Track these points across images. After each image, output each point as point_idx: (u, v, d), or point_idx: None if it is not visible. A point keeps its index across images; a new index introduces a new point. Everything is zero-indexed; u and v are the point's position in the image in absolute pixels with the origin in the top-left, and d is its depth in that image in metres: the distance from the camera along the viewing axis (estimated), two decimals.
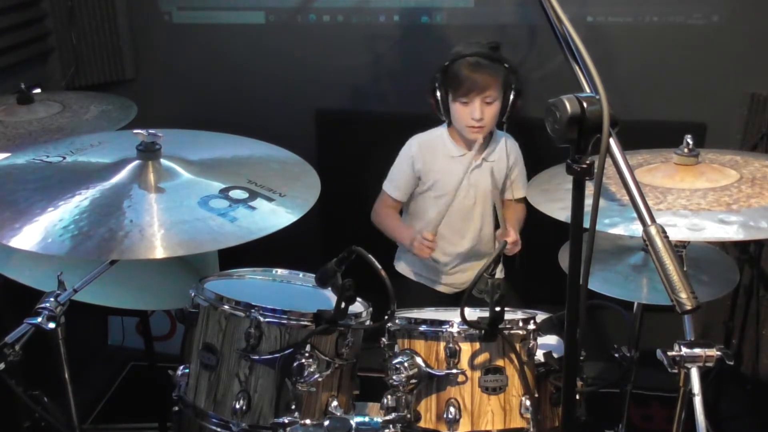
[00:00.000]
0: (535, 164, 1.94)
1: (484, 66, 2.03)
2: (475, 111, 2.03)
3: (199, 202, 1.41)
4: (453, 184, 2.13)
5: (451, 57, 2.08)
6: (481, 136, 2.07)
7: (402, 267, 2.36)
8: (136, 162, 1.49)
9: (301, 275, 1.78)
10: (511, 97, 2.07)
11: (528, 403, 1.47)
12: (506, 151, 2.20)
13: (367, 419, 1.50)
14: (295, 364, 1.44)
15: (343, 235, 2.06)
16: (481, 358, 1.47)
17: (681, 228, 1.41)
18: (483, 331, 1.43)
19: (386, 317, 1.49)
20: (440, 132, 2.20)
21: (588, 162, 1.02)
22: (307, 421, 1.47)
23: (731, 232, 1.39)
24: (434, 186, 2.20)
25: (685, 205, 1.49)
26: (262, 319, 1.46)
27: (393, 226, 2.24)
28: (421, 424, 1.49)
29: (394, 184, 2.23)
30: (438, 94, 2.08)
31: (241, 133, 1.79)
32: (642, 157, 1.80)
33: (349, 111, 2.83)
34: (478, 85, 2.02)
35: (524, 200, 2.22)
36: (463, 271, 2.29)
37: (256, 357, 1.47)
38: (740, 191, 1.54)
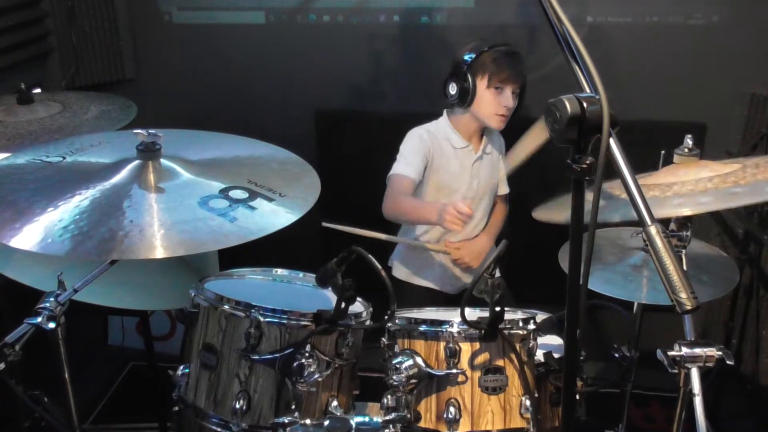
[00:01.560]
0: (535, 164, 1.94)
1: (520, 59, 2.11)
2: (508, 99, 2.08)
3: (199, 202, 1.41)
4: (457, 176, 2.14)
5: (480, 44, 2.09)
6: (503, 126, 2.13)
7: (398, 270, 2.34)
8: (136, 162, 1.49)
9: (301, 275, 1.78)
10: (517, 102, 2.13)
11: (528, 403, 1.47)
12: (499, 144, 2.28)
13: (367, 419, 1.50)
14: (295, 364, 1.44)
15: (343, 235, 2.07)
16: (481, 358, 1.47)
17: (690, 203, 1.41)
18: (483, 331, 1.43)
19: (386, 317, 1.49)
20: (442, 125, 2.20)
21: (588, 162, 1.02)
22: (307, 421, 1.47)
23: (738, 199, 1.39)
24: (438, 177, 2.19)
25: (693, 189, 1.48)
26: (262, 319, 1.46)
27: (415, 205, 2.10)
28: (421, 424, 1.49)
29: (407, 163, 2.12)
30: (469, 78, 2.07)
31: (241, 133, 1.79)
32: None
33: (349, 111, 2.84)
34: (515, 75, 2.07)
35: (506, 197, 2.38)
36: (465, 268, 2.29)
37: (256, 357, 1.47)
38: (745, 173, 1.53)
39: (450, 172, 2.18)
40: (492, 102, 2.09)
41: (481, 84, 2.08)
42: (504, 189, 2.35)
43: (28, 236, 1.30)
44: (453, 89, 2.10)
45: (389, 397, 1.49)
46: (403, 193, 2.09)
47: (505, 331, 1.47)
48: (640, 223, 1.01)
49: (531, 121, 2.27)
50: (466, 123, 2.17)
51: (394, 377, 1.46)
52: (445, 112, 2.22)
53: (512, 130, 2.23)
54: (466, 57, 2.08)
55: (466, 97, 2.09)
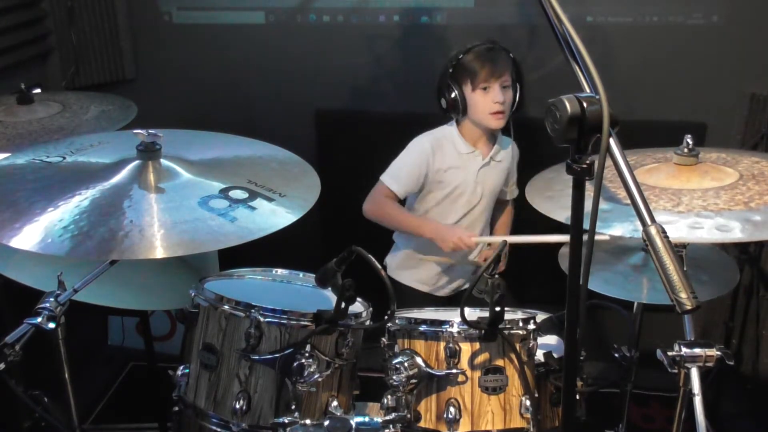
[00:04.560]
0: (535, 164, 1.94)
1: (498, 51, 2.10)
2: (497, 94, 2.07)
3: (199, 202, 1.41)
4: (461, 181, 2.14)
5: (457, 52, 2.11)
6: (503, 123, 2.12)
7: (395, 272, 2.34)
8: (136, 162, 1.49)
9: (301, 275, 1.78)
10: (518, 88, 2.13)
11: (528, 403, 1.47)
12: (511, 153, 2.27)
13: (367, 419, 1.50)
14: (295, 364, 1.44)
15: (343, 235, 2.07)
16: (481, 358, 1.47)
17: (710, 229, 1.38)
18: (483, 331, 1.43)
19: (386, 317, 1.49)
20: (449, 130, 2.20)
21: (588, 162, 1.02)
22: (307, 421, 1.47)
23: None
24: (442, 183, 2.20)
25: (704, 206, 1.46)
26: (262, 319, 1.46)
27: (402, 216, 2.20)
28: (421, 424, 1.49)
29: (397, 179, 2.17)
30: (454, 89, 2.10)
31: (241, 133, 1.79)
32: (637, 156, 1.79)
33: (349, 111, 2.84)
34: (496, 69, 2.06)
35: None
36: (464, 273, 2.30)
37: (256, 357, 1.47)
38: (749, 189, 1.52)
39: (455, 178, 2.18)
40: (482, 102, 2.09)
41: (467, 89, 2.09)
42: (514, 194, 2.36)
43: (28, 236, 1.30)
44: (444, 103, 2.15)
45: (389, 397, 1.49)
46: (388, 198, 2.17)
47: (505, 331, 1.47)
48: (640, 222, 1.01)
49: (530, 120, 2.28)
50: (470, 128, 2.17)
51: (394, 377, 1.46)
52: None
53: (515, 132, 2.24)
54: (448, 70, 2.11)
55: (457, 107, 2.11)
